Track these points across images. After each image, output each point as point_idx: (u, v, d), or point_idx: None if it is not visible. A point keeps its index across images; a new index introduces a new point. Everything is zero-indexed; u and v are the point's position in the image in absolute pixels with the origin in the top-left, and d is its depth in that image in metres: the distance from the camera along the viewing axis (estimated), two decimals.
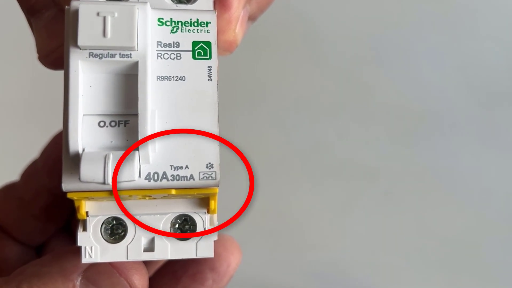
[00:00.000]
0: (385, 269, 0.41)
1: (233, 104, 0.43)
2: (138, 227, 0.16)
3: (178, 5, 0.16)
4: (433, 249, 0.41)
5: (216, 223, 0.16)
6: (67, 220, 0.22)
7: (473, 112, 0.44)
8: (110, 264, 0.16)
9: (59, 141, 0.20)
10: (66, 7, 0.15)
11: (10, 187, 0.21)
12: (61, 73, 0.15)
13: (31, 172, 0.21)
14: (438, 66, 0.44)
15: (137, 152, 0.14)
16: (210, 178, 0.15)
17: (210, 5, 0.16)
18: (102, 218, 0.16)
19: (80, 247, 0.15)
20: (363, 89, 0.44)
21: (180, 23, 0.15)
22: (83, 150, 0.14)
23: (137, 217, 0.16)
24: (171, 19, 0.15)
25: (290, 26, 0.44)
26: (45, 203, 0.20)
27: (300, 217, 0.42)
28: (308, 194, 0.42)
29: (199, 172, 0.15)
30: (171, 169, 0.15)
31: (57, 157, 0.20)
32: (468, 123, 0.43)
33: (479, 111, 0.44)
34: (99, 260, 0.15)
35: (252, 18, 0.19)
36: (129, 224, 0.16)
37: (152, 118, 0.14)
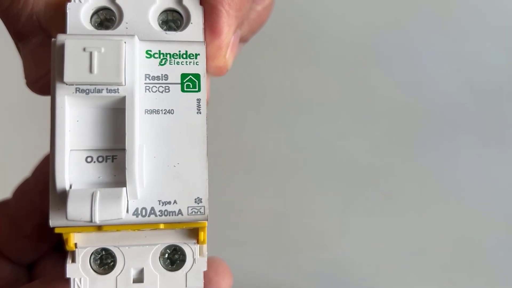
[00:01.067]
0: (386, 269, 0.41)
1: (234, 103, 0.43)
2: (127, 258, 0.16)
3: (168, 32, 0.16)
4: (433, 249, 0.41)
5: (205, 253, 0.16)
6: (58, 239, 0.21)
7: (474, 112, 0.43)
8: None
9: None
10: (53, 39, 0.14)
11: (2, 205, 0.21)
12: None
13: (23, 191, 0.21)
14: (439, 66, 0.44)
15: (124, 189, 0.14)
16: (198, 213, 0.15)
17: (200, 32, 0.16)
18: (91, 250, 0.16)
19: (69, 279, 0.15)
20: (364, 89, 0.44)
21: (168, 55, 0.15)
22: (70, 187, 0.14)
23: (126, 248, 0.16)
24: (159, 51, 0.15)
25: (291, 25, 0.44)
26: (37, 223, 0.20)
27: (301, 217, 0.42)
28: (309, 194, 0.42)
29: (188, 207, 0.15)
30: (159, 204, 0.14)
31: (48, 177, 0.20)
32: (469, 123, 0.43)
33: (480, 111, 0.43)
34: None
35: (244, 40, 0.19)
36: (118, 255, 0.16)
37: (140, 153, 0.14)
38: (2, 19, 0.17)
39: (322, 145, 0.43)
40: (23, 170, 0.23)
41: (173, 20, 0.16)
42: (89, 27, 0.15)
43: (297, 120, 0.43)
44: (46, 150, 0.21)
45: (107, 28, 0.16)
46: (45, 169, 0.20)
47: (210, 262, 0.18)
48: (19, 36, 0.17)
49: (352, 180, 0.42)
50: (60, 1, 0.16)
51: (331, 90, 0.44)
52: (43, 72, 0.16)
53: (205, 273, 0.16)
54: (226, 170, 0.42)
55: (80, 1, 0.16)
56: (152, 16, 0.16)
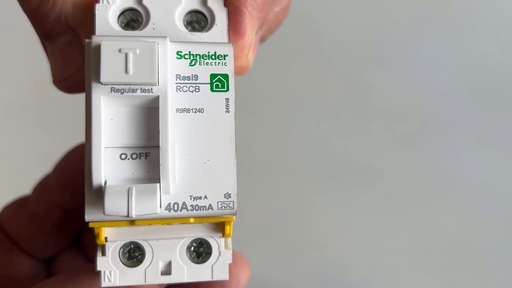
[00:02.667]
0: (386, 269, 0.41)
1: (235, 103, 0.44)
2: (155, 251, 0.16)
3: (193, 33, 0.16)
4: (433, 249, 0.42)
5: (230, 246, 0.17)
6: (77, 235, 0.22)
7: (473, 112, 0.44)
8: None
9: (72, 158, 0.20)
10: (87, 40, 0.15)
11: (23, 202, 0.21)
12: None
13: (43, 187, 0.21)
14: (439, 67, 0.44)
15: (158, 184, 0.14)
16: (228, 207, 0.15)
17: (224, 33, 0.17)
18: (121, 243, 0.16)
19: (99, 272, 0.16)
20: (364, 90, 0.44)
21: (198, 56, 0.15)
22: (105, 183, 0.14)
23: (155, 242, 0.16)
24: (189, 52, 0.15)
25: (292, 26, 0.44)
26: (57, 219, 0.21)
27: (301, 217, 0.42)
28: (309, 194, 0.43)
29: (217, 202, 0.15)
30: (191, 199, 0.15)
31: (70, 174, 0.20)
32: (468, 123, 0.44)
33: (480, 112, 0.44)
34: (118, 283, 0.16)
35: (262, 40, 0.20)
36: (147, 248, 0.16)
37: (172, 150, 0.15)
38: (30, 20, 0.17)
39: (322, 145, 0.43)
40: (42, 167, 0.24)
41: (197, 21, 0.17)
42: (116, 27, 0.16)
43: (298, 120, 0.44)
44: (65, 147, 0.21)
45: (133, 28, 0.16)
46: (67, 165, 0.20)
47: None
48: (47, 36, 0.17)
49: (352, 180, 0.43)
50: (87, 1, 0.16)
51: (331, 90, 0.44)
52: (71, 71, 0.17)
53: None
54: None
55: (108, 2, 0.16)
56: (178, 17, 0.16)
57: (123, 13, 0.16)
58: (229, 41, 0.17)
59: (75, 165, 0.20)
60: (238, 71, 0.18)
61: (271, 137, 0.43)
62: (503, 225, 0.42)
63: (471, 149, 0.43)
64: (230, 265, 0.18)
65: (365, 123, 0.44)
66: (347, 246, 0.42)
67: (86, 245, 0.22)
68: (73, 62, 0.17)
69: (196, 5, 0.17)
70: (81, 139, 0.21)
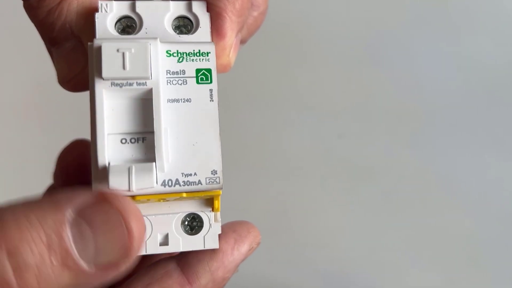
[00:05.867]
0: (386, 268, 0.42)
1: (235, 103, 0.44)
2: (154, 225, 0.19)
3: (181, 35, 0.19)
4: (433, 248, 0.42)
5: (219, 220, 0.19)
6: None
7: (472, 112, 0.44)
8: (109, 202, 0.15)
9: (67, 154, 0.23)
10: (89, 43, 0.17)
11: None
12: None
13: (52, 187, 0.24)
14: (438, 67, 0.45)
15: (154, 163, 0.17)
16: (214, 182, 0.18)
17: (208, 35, 0.19)
18: None
19: None
20: (363, 89, 0.45)
21: (185, 54, 0.18)
22: (109, 164, 0.17)
23: (153, 217, 0.19)
24: (177, 50, 0.18)
25: (291, 26, 0.45)
26: None
27: (302, 216, 0.43)
28: (309, 193, 0.43)
29: (206, 178, 0.18)
30: (182, 176, 0.18)
31: (63, 168, 0.23)
32: (467, 123, 0.44)
33: (479, 111, 0.44)
34: None
35: (243, 41, 0.22)
36: (147, 223, 0.19)
37: (165, 135, 0.17)
38: (37, 28, 0.20)
39: (322, 145, 0.44)
40: (43, 167, 0.26)
41: (184, 25, 0.19)
42: (114, 32, 0.19)
43: (298, 119, 0.45)
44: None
45: (128, 33, 0.19)
46: (65, 158, 0.23)
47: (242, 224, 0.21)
48: (53, 42, 0.20)
49: (352, 179, 0.43)
50: (89, 11, 0.19)
51: (332, 90, 0.45)
52: (75, 73, 0.19)
53: (236, 231, 0.19)
54: (227, 170, 0.44)
55: (106, 11, 0.19)
56: (167, 22, 0.19)
57: (119, 20, 0.19)
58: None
59: (69, 159, 0.22)
60: (221, 69, 0.20)
61: (272, 137, 0.44)
62: (502, 223, 0.42)
63: (471, 149, 0.43)
64: (243, 231, 0.21)
65: (365, 123, 0.44)
66: (348, 245, 0.42)
67: None
68: (77, 64, 0.19)
69: (182, 11, 0.19)
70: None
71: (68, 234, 0.14)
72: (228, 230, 0.20)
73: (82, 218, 0.15)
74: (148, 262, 0.20)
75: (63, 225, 0.14)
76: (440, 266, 0.42)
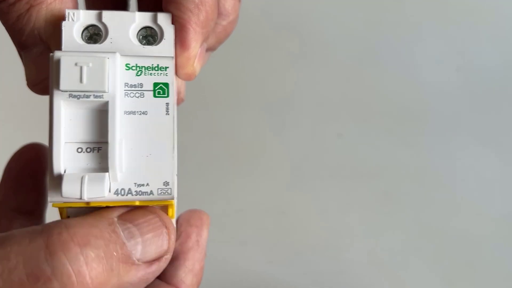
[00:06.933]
0: (385, 268, 0.42)
1: (235, 104, 0.45)
2: None
3: (145, 46, 0.20)
4: (432, 248, 0.43)
5: (175, 226, 0.20)
6: None
7: (472, 112, 0.44)
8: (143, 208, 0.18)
9: (20, 158, 0.24)
10: (51, 54, 0.18)
11: None
12: None
13: None
14: (437, 67, 0.45)
15: (107, 173, 0.18)
16: (166, 193, 0.18)
17: (171, 46, 0.20)
18: None
19: None
20: (363, 89, 0.45)
21: (143, 68, 0.19)
22: (65, 171, 0.18)
23: None
24: (136, 64, 0.19)
25: (291, 26, 0.45)
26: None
27: (301, 216, 0.43)
28: (309, 193, 0.44)
29: (157, 189, 0.18)
30: (135, 186, 0.18)
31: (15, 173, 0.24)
32: (467, 123, 0.44)
33: (479, 111, 0.45)
34: None
35: (211, 49, 0.23)
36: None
37: (119, 146, 0.18)
38: (8, 32, 0.20)
39: (323, 145, 0.44)
40: None
41: (151, 35, 0.20)
42: (80, 41, 0.19)
43: (298, 119, 0.45)
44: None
45: (95, 41, 0.19)
46: (13, 165, 0.24)
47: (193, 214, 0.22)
48: (22, 46, 0.20)
49: (351, 179, 0.43)
50: (57, 18, 0.20)
51: (331, 90, 0.45)
52: (43, 77, 0.20)
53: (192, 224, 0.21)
54: (226, 170, 0.44)
55: (73, 20, 0.19)
56: (132, 32, 0.20)
57: (86, 28, 0.19)
58: (177, 53, 0.20)
59: (21, 164, 0.23)
60: (186, 78, 0.21)
61: (271, 137, 0.45)
62: (502, 224, 0.43)
63: (470, 149, 0.44)
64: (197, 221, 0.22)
65: (364, 123, 0.44)
66: (347, 245, 0.42)
67: None
68: (45, 69, 0.20)
69: (148, 22, 0.20)
70: None
71: (120, 233, 0.17)
72: (186, 224, 0.22)
73: (126, 221, 0.18)
74: None
75: (115, 225, 0.17)
76: (439, 266, 0.42)
